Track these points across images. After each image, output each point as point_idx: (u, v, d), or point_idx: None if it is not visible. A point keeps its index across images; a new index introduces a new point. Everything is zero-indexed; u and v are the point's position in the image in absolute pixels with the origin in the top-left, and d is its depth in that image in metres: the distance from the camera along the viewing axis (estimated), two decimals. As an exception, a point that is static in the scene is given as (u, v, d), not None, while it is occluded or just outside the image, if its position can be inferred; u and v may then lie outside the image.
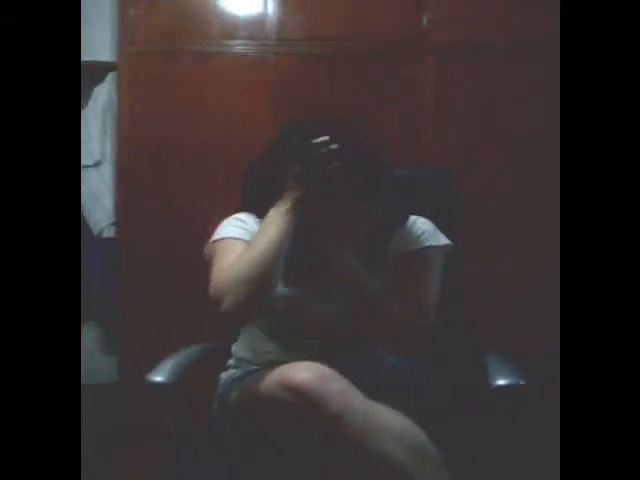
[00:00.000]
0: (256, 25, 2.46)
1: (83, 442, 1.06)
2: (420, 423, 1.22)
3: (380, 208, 1.43)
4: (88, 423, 1.38)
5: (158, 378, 1.34)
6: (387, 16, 2.45)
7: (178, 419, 1.53)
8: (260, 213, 1.43)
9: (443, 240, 1.46)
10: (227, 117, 2.44)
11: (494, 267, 2.34)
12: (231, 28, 2.46)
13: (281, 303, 1.40)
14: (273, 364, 1.31)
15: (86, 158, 2.50)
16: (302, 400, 1.17)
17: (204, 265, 1.43)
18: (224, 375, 1.53)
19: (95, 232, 2.53)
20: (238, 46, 2.46)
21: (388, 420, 1.20)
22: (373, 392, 1.24)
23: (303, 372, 1.20)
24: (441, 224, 1.49)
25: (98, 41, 2.48)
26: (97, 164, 2.55)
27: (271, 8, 2.45)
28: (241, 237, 1.41)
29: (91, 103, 2.57)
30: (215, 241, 1.43)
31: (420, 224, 1.47)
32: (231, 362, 1.55)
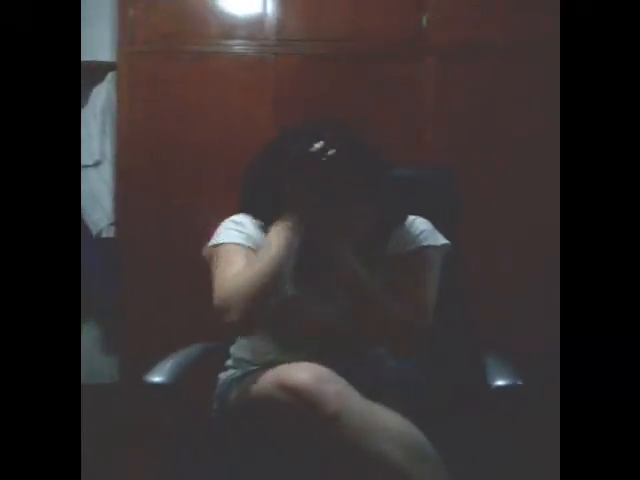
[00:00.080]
0: (255, 25, 2.46)
1: (83, 442, 1.06)
2: (420, 423, 1.21)
3: (380, 208, 1.43)
4: (88, 423, 1.38)
5: (157, 378, 1.34)
6: (387, 16, 2.46)
7: (178, 419, 1.53)
8: (258, 214, 1.44)
9: (441, 240, 1.46)
10: (226, 117, 2.44)
11: (494, 267, 2.34)
12: (230, 28, 2.46)
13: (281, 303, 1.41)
14: (272, 364, 1.31)
15: (86, 158, 2.50)
16: (300, 400, 1.17)
17: (204, 265, 1.44)
18: (223, 375, 1.53)
19: (94, 232, 2.53)
20: (237, 46, 2.46)
21: (386, 420, 1.20)
22: (373, 392, 1.24)
23: (301, 373, 1.21)
24: (441, 224, 1.49)
25: (98, 41, 2.48)
26: (97, 164, 2.55)
27: (270, 8, 2.45)
28: (241, 242, 1.42)
29: (90, 103, 2.57)
30: (215, 245, 1.44)
31: (418, 224, 1.47)
32: (229, 363, 1.55)
